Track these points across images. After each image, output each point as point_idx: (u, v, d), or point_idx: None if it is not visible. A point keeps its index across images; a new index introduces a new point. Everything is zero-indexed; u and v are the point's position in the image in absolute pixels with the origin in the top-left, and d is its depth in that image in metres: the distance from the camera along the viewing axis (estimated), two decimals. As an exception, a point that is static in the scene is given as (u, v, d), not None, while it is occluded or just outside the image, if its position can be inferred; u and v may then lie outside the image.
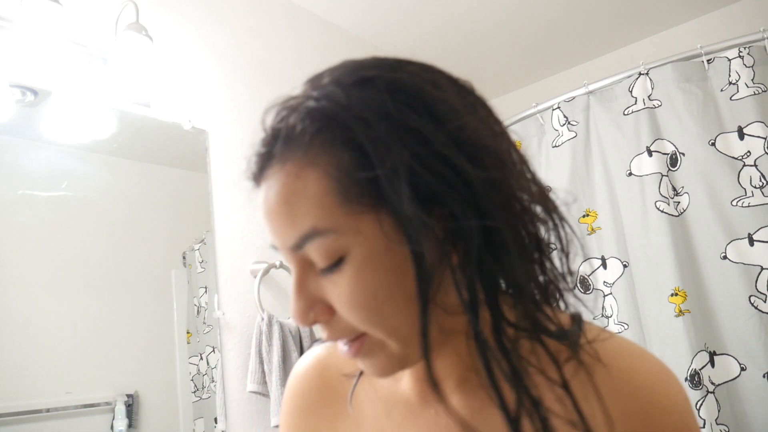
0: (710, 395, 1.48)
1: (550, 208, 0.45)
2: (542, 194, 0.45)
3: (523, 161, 0.45)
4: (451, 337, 0.45)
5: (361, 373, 0.55)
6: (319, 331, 0.45)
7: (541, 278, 0.45)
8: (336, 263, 0.41)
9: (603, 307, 1.74)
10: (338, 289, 0.41)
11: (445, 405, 0.45)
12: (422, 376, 0.50)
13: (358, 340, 0.43)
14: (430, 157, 0.40)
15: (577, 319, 0.46)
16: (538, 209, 0.44)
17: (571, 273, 0.46)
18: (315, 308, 0.43)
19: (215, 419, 1.42)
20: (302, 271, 0.43)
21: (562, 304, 0.46)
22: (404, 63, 0.45)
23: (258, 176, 0.45)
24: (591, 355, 0.44)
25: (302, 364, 0.60)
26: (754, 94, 1.57)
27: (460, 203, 0.40)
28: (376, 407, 0.53)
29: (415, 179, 0.39)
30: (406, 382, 0.52)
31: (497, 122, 0.46)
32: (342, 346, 0.45)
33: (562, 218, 0.46)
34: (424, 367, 0.41)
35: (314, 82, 0.44)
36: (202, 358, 1.44)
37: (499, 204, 0.41)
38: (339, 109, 0.41)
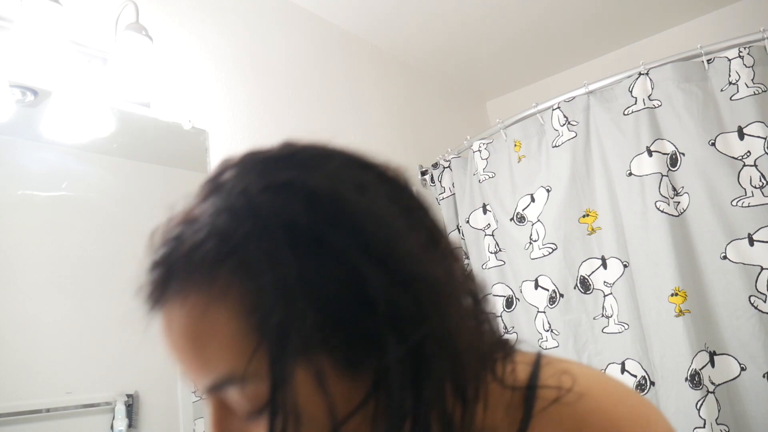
0: (710, 395, 1.48)
1: (485, 348, 0.40)
2: (479, 328, 0.40)
3: (463, 278, 0.40)
4: None
5: None
6: None
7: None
8: (261, 409, 0.35)
9: (603, 307, 1.74)
10: None
11: None
12: None
13: None
14: (352, 290, 0.34)
15: (534, 372, 0.42)
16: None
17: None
18: None
19: (215, 419, 1.41)
20: (221, 412, 0.37)
21: None
22: (323, 158, 0.39)
23: (155, 304, 0.39)
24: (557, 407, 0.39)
25: None
26: (754, 94, 1.57)
27: (385, 346, 0.34)
28: None
29: (332, 319, 0.34)
30: None
31: (434, 229, 0.41)
32: None
33: (492, 356, 0.40)
34: None
35: (216, 184, 0.38)
36: (202, 358, 1.44)
37: (431, 347, 0.35)
38: (244, 232, 0.35)
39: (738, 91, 1.60)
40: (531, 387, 0.41)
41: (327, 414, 0.35)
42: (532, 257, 1.87)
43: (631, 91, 1.74)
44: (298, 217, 0.35)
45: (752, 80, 1.58)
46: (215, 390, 0.36)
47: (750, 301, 1.49)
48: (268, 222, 0.35)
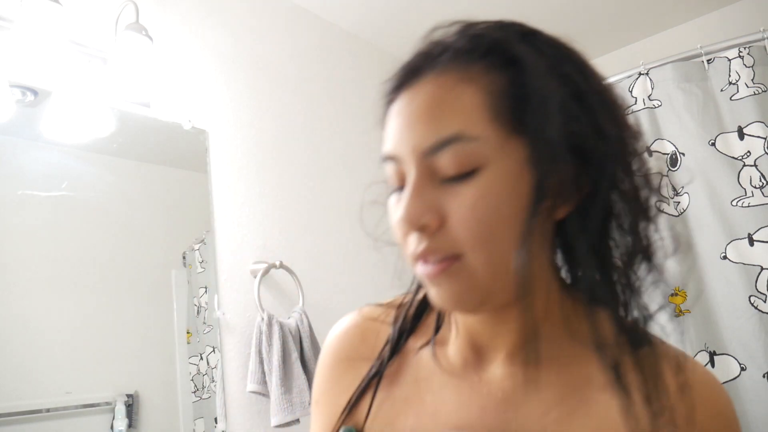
0: (710, 395, 1.48)
1: (652, 194, 0.47)
2: (649, 177, 0.48)
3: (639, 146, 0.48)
4: (527, 296, 0.45)
5: (404, 338, 0.55)
6: (413, 244, 0.44)
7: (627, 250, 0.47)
8: (468, 173, 0.42)
9: (603, 307, 1.74)
10: (461, 200, 0.42)
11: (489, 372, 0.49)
12: (469, 343, 0.51)
13: (447, 261, 0.43)
14: (580, 104, 0.43)
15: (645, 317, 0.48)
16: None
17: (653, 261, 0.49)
18: (427, 215, 0.43)
19: (215, 419, 1.42)
20: (424, 176, 0.43)
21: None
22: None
23: (402, 85, 0.46)
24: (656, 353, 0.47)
25: (342, 324, 0.60)
26: (754, 94, 1.57)
27: (598, 154, 0.43)
28: (415, 371, 0.53)
29: (565, 118, 0.42)
30: (450, 348, 0.52)
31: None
32: (424, 266, 0.44)
33: (656, 209, 0.48)
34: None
35: (470, 25, 0.47)
36: (202, 358, 1.44)
37: (624, 168, 0.44)
38: (507, 40, 0.44)
39: (738, 91, 1.60)
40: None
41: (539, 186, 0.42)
42: (532, 257, 1.87)
43: (631, 91, 1.74)
44: (545, 49, 0.44)
45: (752, 80, 1.58)
46: (434, 151, 0.42)
47: (750, 301, 1.49)
48: (523, 45, 0.44)
